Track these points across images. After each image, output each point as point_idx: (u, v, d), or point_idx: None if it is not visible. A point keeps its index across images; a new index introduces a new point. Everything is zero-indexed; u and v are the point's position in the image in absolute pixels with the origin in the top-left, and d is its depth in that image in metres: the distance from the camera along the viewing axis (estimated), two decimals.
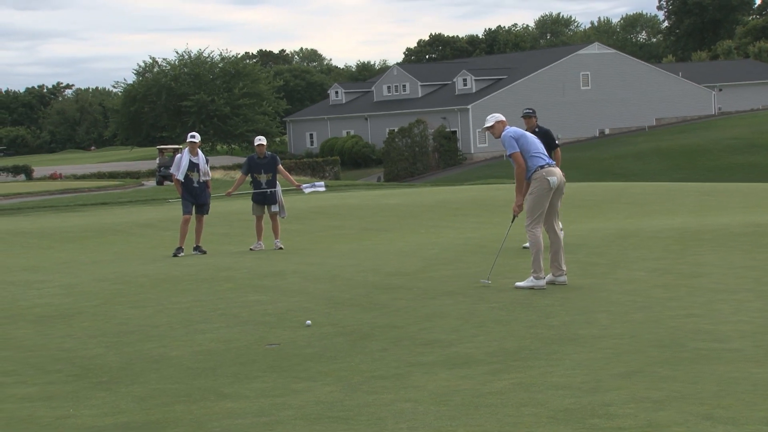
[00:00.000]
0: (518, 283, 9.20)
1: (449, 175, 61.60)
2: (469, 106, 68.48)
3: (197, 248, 14.61)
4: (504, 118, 9.50)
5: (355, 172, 68.25)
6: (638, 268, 10.26)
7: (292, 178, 15.62)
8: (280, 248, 14.73)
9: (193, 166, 14.56)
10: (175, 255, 14.31)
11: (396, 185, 44.01)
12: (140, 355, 6.90)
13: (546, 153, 9.44)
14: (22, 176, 60.44)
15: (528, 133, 9.54)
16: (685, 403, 4.77)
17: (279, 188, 15.12)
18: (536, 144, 9.32)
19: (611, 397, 4.98)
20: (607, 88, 73.62)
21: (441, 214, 20.62)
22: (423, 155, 65.79)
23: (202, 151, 14.93)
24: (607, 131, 73.99)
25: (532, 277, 9.11)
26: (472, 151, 68.32)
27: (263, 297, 9.45)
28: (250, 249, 14.89)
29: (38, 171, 62.39)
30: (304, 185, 15.99)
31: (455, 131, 68.84)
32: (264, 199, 14.96)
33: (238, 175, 16.49)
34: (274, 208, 14.99)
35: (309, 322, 7.62)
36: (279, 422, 4.81)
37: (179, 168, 14.57)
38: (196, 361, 6.64)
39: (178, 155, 14.87)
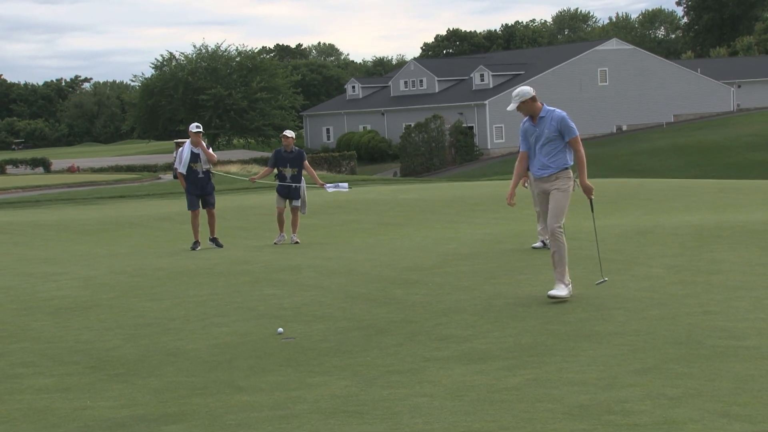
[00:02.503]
0: (552, 292, 8.12)
1: (466, 170, 61.52)
2: (486, 102, 68.33)
3: (213, 240, 14.61)
4: (533, 93, 8.24)
5: (371, 167, 68.26)
6: (655, 265, 10.22)
7: (316, 175, 15.64)
8: (297, 242, 14.77)
9: (195, 157, 14.43)
10: (192, 249, 14.38)
11: (412, 180, 43.99)
12: (157, 348, 6.94)
13: None
14: (41, 169, 60.84)
15: None
16: (701, 400, 4.75)
17: (304, 184, 15.15)
18: None
19: (627, 393, 4.97)
20: (625, 84, 73.28)
21: (458, 210, 20.61)
22: (439, 150, 65.72)
23: (214, 143, 14.94)
24: (624, 127, 73.68)
25: (563, 284, 8.14)
26: (489, 147, 68.18)
27: (279, 291, 9.47)
28: (274, 243, 14.95)
29: (56, 164, 62.79)
30: (328, 185, 15.96)
31: (472, 126, 68.72)
32: (288, 193, 15.00)
33: (254, 169, 16.55)
34: (296, 203, 15.03)
35: (281, 329, 7.33)
36: (294, 416, 4.83)
37: (181, 161, 14.49)
38: (212, 354, 6.67)
39: (180, 149, 14.75)
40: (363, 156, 70.52)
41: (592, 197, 8.28)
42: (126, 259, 13.32)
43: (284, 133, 15.06)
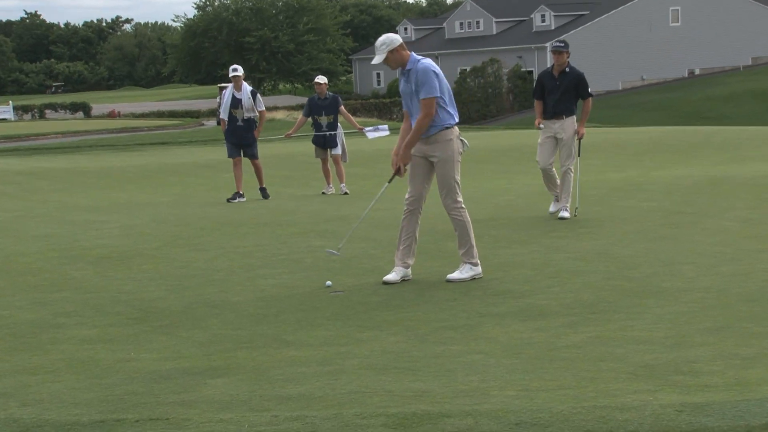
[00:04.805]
0: (452, 276, 7.43)
1: (524, 117, 60.86)
2: (547, 45, 67.23)
3: (262, 190, 14.39)
4: (400, 40, 7.32)
5: None
6: (728, 218, 10.07)
7: (354, 120, 15.61)
8: (346, 193, 14.81)
9: (236, 103, 13.92)
10: (229, 200, 14.01)
11: (467, 128, 43.72)
12: (201, 300, 7.04)
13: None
14: (81, 114, 61.67)
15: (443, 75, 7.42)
16: None
17: (341, 131, 15.14)
18: (450, 94, 7.48)
19: (696, 353, 4.92)
20: (699, 24, 71.49)
21: (515, 159, 20.45)
22: (496, 96, 65.09)
23: (259, 88, 14.73)
24: (697, 71, 72.12)
25: (468, 266, 7.47)
26: None
27: (327, 242, 9.52)
28: (322, 193, 15.01)
29: (96, 108, 63.55)
30: (367, 129, 15.90)
31: (531, 71, 67.82)
32: (324, 142, 15.00)
33: (299, 116, 16.53)
34: (336, 151, 15.03)
35: (329, 282, 7.32)
36: (343, 371, 4.87)
37: (222, 106, 14.20)
38: (258, 307, 6.75)
39: (223, 92, 14.45)
40: None
41: (399, 175, 7.43)
42: (168, 208, 13.50)
43: (316, 79, 14.94)
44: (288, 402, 4.30)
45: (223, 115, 14.18)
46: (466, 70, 66.83)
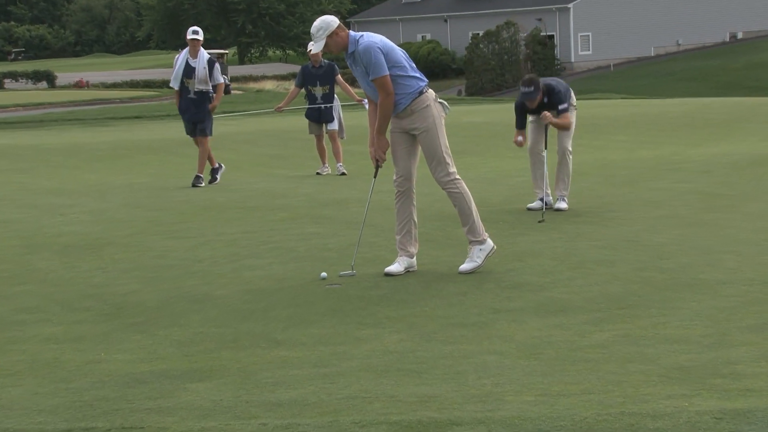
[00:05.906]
0: (463, 267, 7.39)
1: None
2: (570, 6, 67.20)
3: (196, 178, 13.72)
4: (337, 21, 7.30)
5: (431, 84, 66.58)
6: None
7: (352, 91, 15.58)
8: (343, 173, 14.82)
9: (189, 72, 13.41)
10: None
11: (480, 100, 43.74)
12: (181, 294, 7.06)
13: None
14: (44, 83, 61.66)
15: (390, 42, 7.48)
16: None
17: (338, 103, 15.11)
18: (408, 57, 7.56)
19: (738, 353, 4.93)
20: None
21: None
22: (513, 64, 65.02)
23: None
24: (740, 35, 71.98)
25: (476, 248, 7.44)
26: (573, 60, 67.22)
27: (323, 229, 9.54)
28: (317, 173, 15.00)
29: (62, 78, 63.54)
30: (366, 100, 15.85)
31: (552, 36, 67.73)
32: (319, 116, 14.97)
33: (291, 87, 16.50)
34: (332, 126, 15.01)
35: (324, 274, 7.31)
36: (341, 374, 4.88)
37: (173, 74, 13.63)
38: (244, 301, 6.77)
39: (176, 57, 13.85)
40: (422, 71, 69.22)
41: (380, 165, 7.60)
42: (144, 190, 13.52)
43: (310, 46, 14.82)
44: (278, 408, 4.32)
45: (174, 83, 13.65)
46: (478, 34, 66.72)
